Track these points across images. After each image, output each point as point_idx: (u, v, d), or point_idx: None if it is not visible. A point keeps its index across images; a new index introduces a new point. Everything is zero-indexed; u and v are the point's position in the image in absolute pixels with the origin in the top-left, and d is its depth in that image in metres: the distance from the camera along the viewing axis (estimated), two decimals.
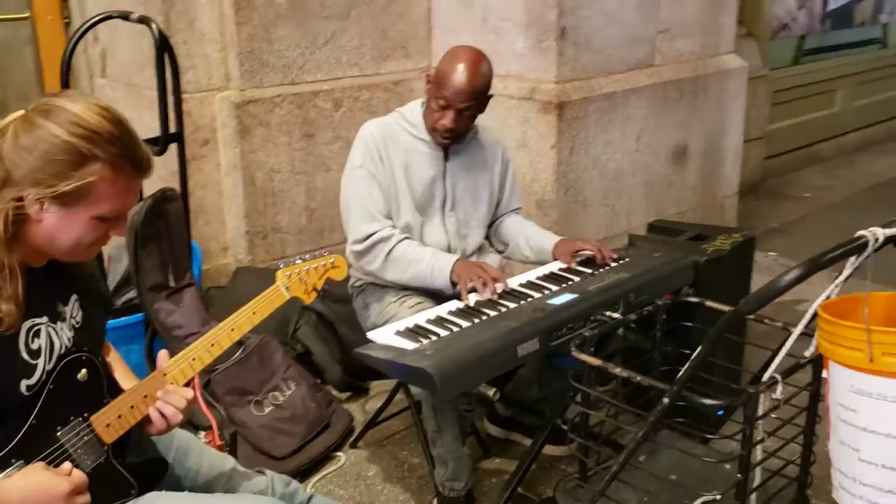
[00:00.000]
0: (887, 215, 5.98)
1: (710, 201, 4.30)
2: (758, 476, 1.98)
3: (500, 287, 2.37)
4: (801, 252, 3.32)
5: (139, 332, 2.98)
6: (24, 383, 1.48)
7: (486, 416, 3.00)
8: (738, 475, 1.90)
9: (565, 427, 2.66)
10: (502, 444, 2.95)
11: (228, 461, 1.94)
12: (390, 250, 2.50)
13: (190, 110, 3.27)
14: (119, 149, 1.46)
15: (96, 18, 2.60)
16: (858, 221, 5.71)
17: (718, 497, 1.98)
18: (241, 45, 3.23)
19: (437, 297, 2.51)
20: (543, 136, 3.36)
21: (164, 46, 2.62)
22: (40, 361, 1.51)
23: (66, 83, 2.59)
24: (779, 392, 1.89)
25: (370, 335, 2.19)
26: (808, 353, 1.94)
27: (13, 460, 1.45)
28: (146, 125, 3.55)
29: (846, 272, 1.81)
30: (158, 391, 1.62)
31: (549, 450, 2.86)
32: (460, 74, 2.45)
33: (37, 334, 1.51)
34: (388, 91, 3.70)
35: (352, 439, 2.97)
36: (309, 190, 3.53)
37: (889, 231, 1.81)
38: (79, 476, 1.48)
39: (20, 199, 1.42)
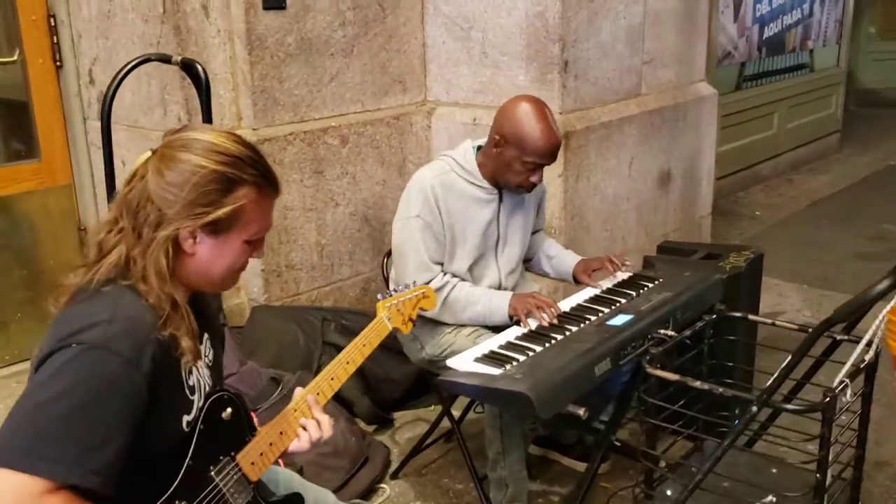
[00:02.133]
0: (833, 229, 6.38)
1: (689, 222, 4.50)
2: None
3: (555, 312, 2.46)
4: (770, 265, 3.52)
5: None
6: (185, 419, 1.49)
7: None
8: (817, 475, 2.02)
9: (618, 443, 2.79)
10: (540, 463, 3.02)
11: (329, 495, 1.96)
12: (446, 297, 2.55)
13: None
14: (259, 170, 1.51)
15: (137, 61, 2.59)
16: (810, 235, 6.06)
17: (796, 495, 2.11)
18: (255, 84, 3.25)
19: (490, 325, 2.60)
20: (551, 166, 3.48)
21: (209, 89, 2.62)
22: (196, 398, 1.52)
23: (107, 128, 2.56)
24: (849, 395, 2.03)
25: (450, 363, 2.24)
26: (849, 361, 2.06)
27: (176, 502, 1.45)
28: None
29: None
30: (302, 420, 1.66)
31: (579, 465, 2.95)
32: (546, 136, 2.48)
33: (191, 371, 1.52)
34: (390, 126, 3.76)
35: (392, 470, 2.99)
36: (319, 226, 3.56)
37: None
38: None
39: (175, 235, 1.44)
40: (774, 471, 2.47)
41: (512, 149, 2.50)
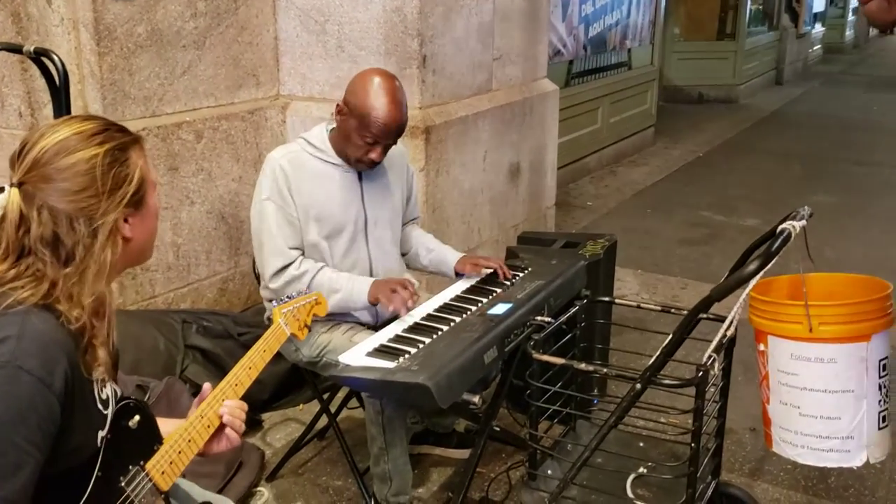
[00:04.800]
0: (657, 217, 6.84)
1: (535, 213, 4.69)
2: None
3: (412, 291, 2.47)
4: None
5: None
6: (99, 435, 1.41)
7: None
8: (692, 444, 2.18)
9: (497, 428, 2.87)
10: (415, 457, 3.05)
11: (229, 503, 1.91)
12: (308, 284, 2.51)
13: None
14: (123, 130, 1.48)
15: None
16: (638, 224, 6.47)
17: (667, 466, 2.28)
18: (104, 76, 3.07)
19: (361, 321, 2.62)
20: (413, 160, 3.52)
21: (66, 81, 2.44)
22: (110, 411, 1.44)
23: None
24: (717, 368, 2.21)
25: (342, 358, 2.22)
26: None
27: None
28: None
29: (773, 261, 2.13)
30: (221, 410, 1.65)
31: (456, 454, 3.03)
32: (388, 112, 2.44)
33: (104, 384, 1.44)
34: (245, 120, 3.67)
35: (268, 472, 2.93)
36: (175, 226, 3.42)
37: (799, 223, 2.16)
38: None
39: (115, 227, 1.40)
40: (641, 444, 2.64)
41: (353, 120, 2.47)
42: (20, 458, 1.22)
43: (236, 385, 1.74)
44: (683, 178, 7.58)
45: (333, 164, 2.60)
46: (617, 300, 2.70)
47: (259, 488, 2.87)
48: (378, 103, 2.45)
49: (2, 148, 3.24)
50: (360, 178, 2.66)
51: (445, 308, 2.53)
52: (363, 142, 2.50)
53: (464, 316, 2.47)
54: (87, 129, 1.41)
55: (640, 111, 8.51)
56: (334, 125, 2.62)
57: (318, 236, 2.59)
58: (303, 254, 2.58)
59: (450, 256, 2.85)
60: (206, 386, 1.69)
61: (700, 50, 11.23)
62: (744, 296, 2.13)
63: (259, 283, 2.71)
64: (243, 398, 3.29)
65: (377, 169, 2.69)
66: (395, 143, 2.57)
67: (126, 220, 1.43)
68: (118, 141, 1.43)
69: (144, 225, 1.48)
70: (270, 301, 2.56)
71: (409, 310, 2.46)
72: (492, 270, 2.77)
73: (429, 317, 2.46)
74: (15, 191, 1.36)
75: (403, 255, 2.90)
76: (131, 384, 2.84)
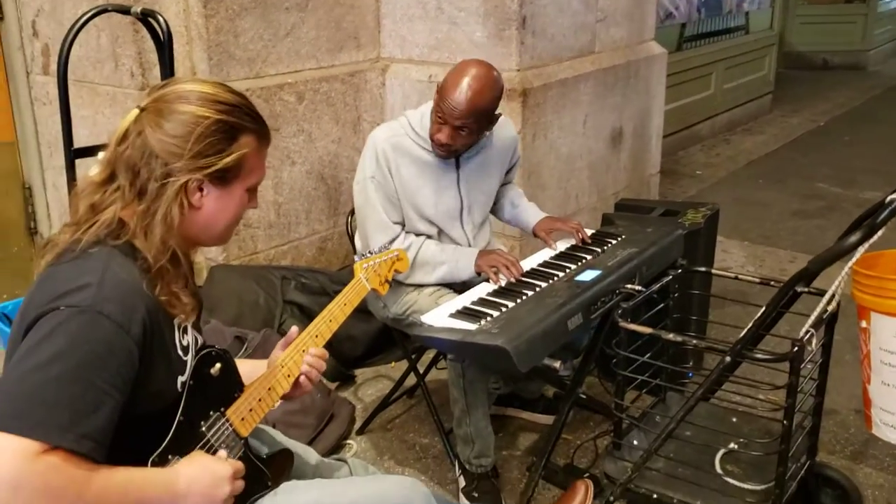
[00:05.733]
0: (770, 188, 6.55)
1: (638, 181, 4.57)
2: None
3: (518, 271, 2.48)
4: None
5: None
6: (179, 380, 1.47)
7: None
8: (784, 422, 2.10)
9: (583, 396, 2.85)
10: (501, 420, 3.06)
11: (311, 451, 1.96)
12: (413, 258, 2.54)
13: None
14: (256, 118, 1.53)
15: (93, 12, 2.47)
16: (749, 194, 6.21)
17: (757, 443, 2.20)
18: (210, 38, 3.16)
19: (451, 284, 2.62)
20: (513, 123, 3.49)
21: (171, 42, 2.53)
22: (189, 358, 1.50)
23: (64, 83, 2.45)
24: (814, 344, 2.11)
25: (425, 318, 2.24)
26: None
27: (169, 456, 1.43)
28: (105, 123, 3.43)
29: (879, 233, 2.01)
30: (306, 357, 1.68)
31: (542, 419, 3.02)
32: (461, 91, 2.39)
33: (185, 331, 1.50)
34: (345, 83, 3.71)
35: (358, 426, 3.00)
36: (276, 185, 3.50)
37: None
38: (237, 462, 1.50)
39: (184, 187, 1.43)
40: (734, 420, 2.56)
41: (436, 99, 2.46)
42: (100, 398, 1.27)
43: (316, 336, 1.77)
44: (801, 148, 7.24)
45: (432, 151, 2.57)
46: (713, 271, 2.61)
47: (349, 441, 2.94)
48: (454, 82, 2.42)
49: (115, 106, 3.39)
50: (457, 165, 2.63)
51: (532, 273, 2.51)
52: (435, 118, 2.48)
53: (550, 282, 2.44)
54: (219, 96, 1.46)
55: (756, 77, 8.16)
56: None
57: (415, 220, 2.61)
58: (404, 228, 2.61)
59: (531, 217, 2.83)
60: (294, 329, 1.74)
61: (826, 13, 10.63)
62: (846, 269, 2.03)
63: (354, 248, 2.75)
64: (337, 356, 3.39)
65: (476, 158, 2.66)
66: (468, 131, 2.46)
67: (201, 188, 1.46)
68: (237, 120, 1.47)
69: (220, 204, 1.49)
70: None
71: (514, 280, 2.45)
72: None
73: (515, 282, 2.45)
74: (135, 111, 1.46)
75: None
76: (230, 335, 2.95)
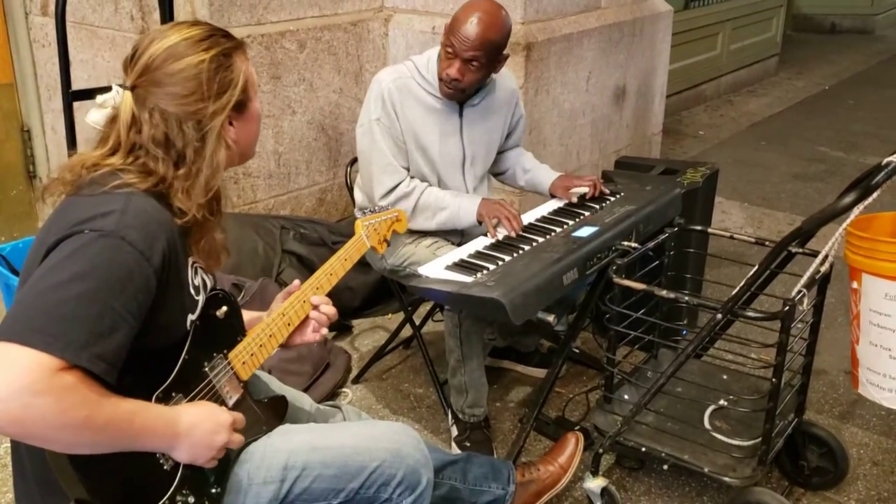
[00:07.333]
0: (772, 150, 6.52)
1: (640, 139, 4.56)
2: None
3: (519, 225, 2.49)
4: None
5: None
6: (189, 318, 1.49)
7: None
8: (773, 379, 2.13)
9: (576, 350, 2.88)
10: (496, 372, 3.10)
11: (305, 397, 1.99)
12: (416, 202, 2.55)
13: None
14: (228, 35, 1.55)
15: None
16: (750, 156, 6.17)
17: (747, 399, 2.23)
18: None
19: (446, 235, 2.64)
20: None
21: None
22: (200, 298, 1.52)
23: (62, 24, 2.43)
24: (805, 304, 2.14)
25: (422, 270, 2.26)
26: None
27: (173, 394, 1.46)
28: (105, 66, 3.41)
29: (874, 194, 2.02)
30: (314, 301, 1.75)
31: (536, 372, 3.06)
32: (472, 24, 2.40)
33: (196, 271, 1.53)
34: (348, 32, 3.68)
35: (354, 375, 3.04)
36: (277, 134, 3.49)
37: None
38: (239, 413, 1.51)
39: (223, 134, 1.49)
40: (725, 377, 2.60)
41: (445, 33, 2.47)
42: (116, 321, 1.29)
43: (317, 289, 1.79)
44: (804, 112, 7.20)
45: (436, 96, 2.58)
46: (710, 230, 2.62)
47: (344, 389, 2.98)
48: (465, 16, 2.43)
49: (115, 49, 3.36)
50: (460, 113, 2.63)
51: (530, 228, 2.53)
52: (445, 53, 2.47)
53: (547, 237, 2.45)
54: (195, 35, 1.49)
55: (763, 39, 8.07)
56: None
57: (420, 163, 2.61)
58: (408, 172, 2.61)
59: (545, 178, 2.83)
60: (296, 282, 1.76)
61: None
62: (840, 230, 2.04)
63: (353, 201, 2.76)
64: (335, 306, 3.43)
65: (479, 106, 2.66)
66: (478, 65, 2.46)
67: (231, 124, 1.51)
68: (223, 46, 1.50)
69: (248, 128, 1.57)
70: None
71: (514, 234, 2.46)
72: (586, 190, 2.74)
73: (515, 237, 2.46)
74: (128, 94, 1.47)
75: (500, 174, 2.90)
76: (227, 282, 2.97)
